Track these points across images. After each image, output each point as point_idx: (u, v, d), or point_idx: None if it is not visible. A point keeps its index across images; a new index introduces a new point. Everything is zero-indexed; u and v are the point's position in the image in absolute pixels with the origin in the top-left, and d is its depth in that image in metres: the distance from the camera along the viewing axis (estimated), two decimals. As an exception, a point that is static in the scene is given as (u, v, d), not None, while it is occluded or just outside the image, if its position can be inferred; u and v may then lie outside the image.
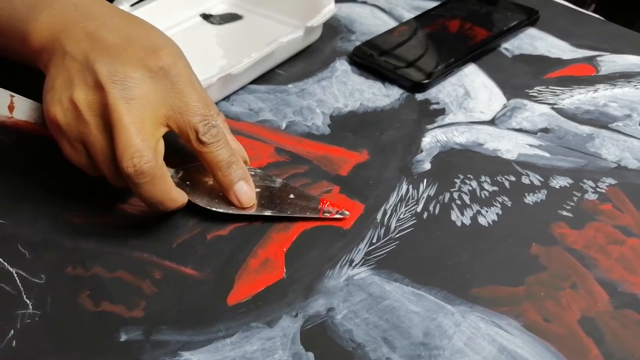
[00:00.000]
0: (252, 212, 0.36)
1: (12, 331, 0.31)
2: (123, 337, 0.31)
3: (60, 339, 0.31)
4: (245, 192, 0.36)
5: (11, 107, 0.35)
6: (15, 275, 0.34)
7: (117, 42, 0.33)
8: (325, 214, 0.36)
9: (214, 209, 0.36)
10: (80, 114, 0.32)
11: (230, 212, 0.36)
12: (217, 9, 0.57)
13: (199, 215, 0.37)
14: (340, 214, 0.36)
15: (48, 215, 0.37)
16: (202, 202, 0.36)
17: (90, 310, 0.32)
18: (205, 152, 0.34)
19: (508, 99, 0.46)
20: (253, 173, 0.38)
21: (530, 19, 0.54)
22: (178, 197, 0.34)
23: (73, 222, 0.37)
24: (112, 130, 0.32)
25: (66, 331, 0.31)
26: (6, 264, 0.34)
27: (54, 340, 0.31)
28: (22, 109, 0.36)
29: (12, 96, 0.35)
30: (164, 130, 0.34)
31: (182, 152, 0.38)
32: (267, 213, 0.36)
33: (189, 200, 0.36)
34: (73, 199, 0.38)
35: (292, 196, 0.37)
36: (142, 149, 0.31)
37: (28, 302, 0.33)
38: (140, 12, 0.51)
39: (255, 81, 0.48)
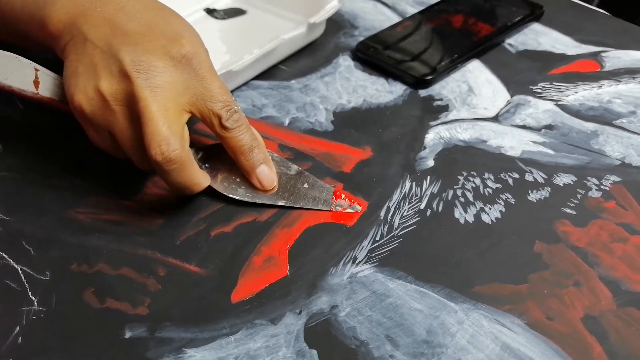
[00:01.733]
0: (266, 201, 0.36)
1: (18, 328, 0.31)
2: (128, 334, 0.31)
3: (66, 335, 0.31)
4: (267, 175, 0.37)
5: (36, 83, 0.35)
6: (20, 271, 0.34)
7: (138, 29, 0.34)
8: (337, 208, 0.36)
9: (230, 195, 0.36)
10: (106, 104, 0.33)
11: (247, 199, 0.36)
12: (221, 4, 0.56)
13: (203, 210, 0.37)
14: (351, 208, 0.36)
15: (53, 212, 0.37)
16: (220, 187, 0.37)
17: (95, 307, 0.32)
18: (229, 137, 0.35)
19: (512, 95, 0.46)
20: (271, 157, 0.38)
21: (535, 14, 0.53)
22: (203, 180, 0.35)
23: (78, 219, 0.37)
24: (139, 119, 0.32)
25: (71, 328, 0.31)
26: (11, 260, 0.35)
27: (59, 337, 0.31)
28: (46, 84, 0.36)
29: (36, 70, 0.35)
30: (187, 116, 0.35)
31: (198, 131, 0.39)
32: (281, 203, 0.36)
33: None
34: (78, 195, 0.38)
35: (306, 185, 0.37)
36: (169, 137, 0.32)
37: (33, 298, 0.33)
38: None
39: (259, 77, 0.48)
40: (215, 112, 0.34)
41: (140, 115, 0.32)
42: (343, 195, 0.37)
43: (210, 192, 0.37)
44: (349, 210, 0.36)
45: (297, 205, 0.36)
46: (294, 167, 0.38)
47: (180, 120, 0.34)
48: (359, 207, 0.36)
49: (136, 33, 0.33)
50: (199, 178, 0.35)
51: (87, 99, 0.33)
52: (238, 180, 0.37)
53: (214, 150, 0.38)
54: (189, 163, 0.33)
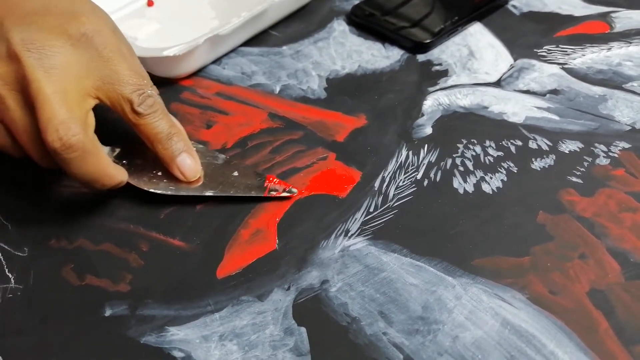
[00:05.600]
0: (192, 192, 0.34)
1: (-7, 306, 0.30)
2: (108, 312, 0.29)
3: (43, 314, 0.30)
4: (189, 165, 0.34)
5: None
6: (-4, 248, 0.33)
7: (34, 9, 0.30)
8: (272, 193, 0.34)
9: (151, 190, 0.34)
10: None
11: (169, 193, 0.34)
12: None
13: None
14: (287, 192, 0.34)
15: (31, 187, 0.36)
16: (139, 182, 0.34)
17: (74, 284, 0.31)
18: (143, 124, 0.32)
19: (515, 59, 0.43)
20: (195, 148, 0.35)
21: (541, -27, 0.50)
22: (116, 173, 0.32)
23: (57, 194, 0.35)
24: (33, 103, 0.29)
25: (49, 306, 0.30)
26: (-13, 236, 0.33)
27: (36, 315, 0.30)
28: None
29: None
30: (93, 102, 0.31)
31: (119, 130, 0.36)
32: (209, 193, 0.34)
33: (127, 182, 0.33)
34: (57, 169, 0.37)
35: (235, 174, 0.35)
36: (67, 121, 0.29)
37: (10, 276, 0.31)
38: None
39: (248, 43, 0.46)
40: (125, 96, 0.31)
41: (34, 99, 0.28)
42: (276, 180, 0.34)
43: (135, 191, 0.34)
44: (284, 194, 0.34)
45: (229, 194, 0.34)
46: (222, 157, 0.36)
47: (84, 106, 0.30)
48: (295, 191, 0.34)
49: (32, 13, 0.30)
50: (109, 169, 0.31)
51: None
52: (160, 174, 0.34)
53: (133, 148, 0.35)
54: (94, 151, 0.30)
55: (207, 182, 0.34)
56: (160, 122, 0.32)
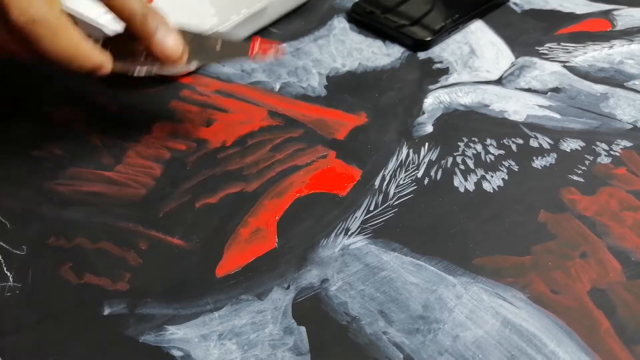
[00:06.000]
0: (179, 69, 0.33)
1: (-9, 305, 0.30)
2: (106, 311, 0.29)
3: (42, 312, 0.29)
4: (169, 43, 0.32)
5: None
6: (-6, 246, 0.32)
7: None
8: (258, 53, 0.33)
9: (135, 74, 0.33)
10: None
11: (154, 73, 0.33)
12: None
13: (188, 181, 0.35)
14: (274, 49, 0.33)
15: (30, 184, 0.36)
16: (123, 68, 0.33)
17: (72, 283, 0.31)
18: (113, 4, 0.31)
19: (516, 57, 0.43)
20: (177, 28, 0.34)
21: (542, -30, 0.50)
22: (93, 53, 0.31)
23: (56, 191, 0.35)
24: None
25: (47, 305, 0.30)
26: (-15, 235, 0.33)
27: (34, 314, 0.29)
28: None
29: None
30: None
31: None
32: (194, 66, 0.32)
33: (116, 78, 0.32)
34: (57, 166, 0.36)
35: (219, 42, 0.33)
36: None
37: (8, 274, 0.31)
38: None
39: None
40: None
41: None
42: (259, 41, 0.33)
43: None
44: (270, 52, 0.33)
45: (215, 62, 0.33)
46: (205, 30, 0.34)
47: None
48: (283, 46, 0.33)
49: None
50: (83, 46, 0.30)
51: None
52: (143, 59, 0.33)
53: (114, 39, 0.34)
54: (66, 27, 0.29)
55: (192, 56, 0.33)
56: (132, 2, 0.31)
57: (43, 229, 0.33)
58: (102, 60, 0.32)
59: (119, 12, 0.31)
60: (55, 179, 0.36)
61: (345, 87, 0.41)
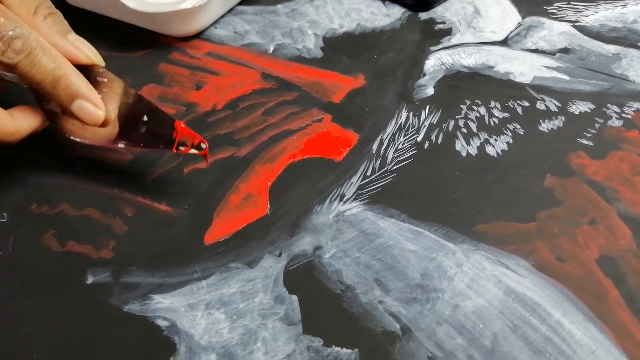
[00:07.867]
0: (107, 143, 0.30)
1: (-30, 273, 0.28)
2: (90, 280, 0.28)
3: (23, 281, 0.28)
4: (87, 111, 0.28)
5: None
6: (-26, 213, 0.31)
7: None
8: (180, 148, 0.30)
9: (72, 137, 0.31)
10: None
11: (86, 142, 0.31)
12: None
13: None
14: (196, 148, 0.29)
15: (12, 150, 0.34)
16: (63, 128, 0.31)
17: (55, 251, 0.29)
18: (19, 75, 0.27)
19: (523, 17, 0.41)
20: (105, 80, 0.30)
21: None
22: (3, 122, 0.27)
23: (38, 157, 0.34)
24: None
25: (29, 273, 0.28)
26: (-35, 201, 0.32)
27: (16, 283, 0.28)
28: None
29: None
30: None
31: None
32: (121, 145, 0.30)
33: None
34: (38, 132, 0.35)
35: (145, 118, 0.30)
36: None
37: (-12, 242, 0.30)
38: None
39: (244, 2, 0.43)
40: None
41: None
42: (184, 128, 0.29)
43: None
44: (193, 151, 0.30)
45: (139, 147, 0.30)
46: (132, 92, 0.30)
47: None
48: (204, 146, 0.29)
49: None
50: None
51: None
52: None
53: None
54: None
55: (120, 128, 0.30)
56: (39, 68, 0.27)
57: (25, 196, 0.32)
58: (11, 128, 0.28)
59: (27, 83, 0.28)
60: (36, 144, 0.34)
61: (343, 49, 0.39)
